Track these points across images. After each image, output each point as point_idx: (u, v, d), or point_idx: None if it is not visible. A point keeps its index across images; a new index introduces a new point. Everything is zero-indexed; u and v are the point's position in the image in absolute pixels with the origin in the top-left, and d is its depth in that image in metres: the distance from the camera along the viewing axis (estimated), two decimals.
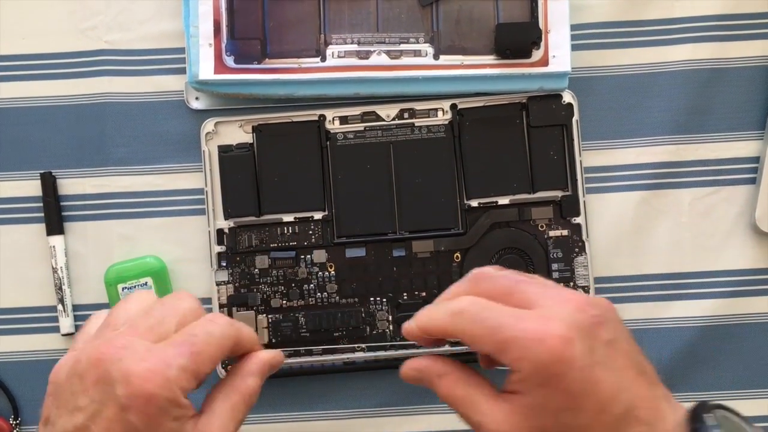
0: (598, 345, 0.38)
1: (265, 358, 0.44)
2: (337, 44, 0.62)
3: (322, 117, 0.63)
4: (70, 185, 0.64)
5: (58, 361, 0.41)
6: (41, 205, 0.64)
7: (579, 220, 0.62)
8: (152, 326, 0.40)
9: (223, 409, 0.41)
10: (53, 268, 0.63)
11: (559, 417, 0.38)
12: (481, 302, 0.40)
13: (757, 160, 0.63)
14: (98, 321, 0.43)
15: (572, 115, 0.62)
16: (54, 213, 0.63)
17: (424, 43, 0.62)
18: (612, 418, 0.38)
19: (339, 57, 0.61)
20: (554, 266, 0.62)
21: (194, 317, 0.41)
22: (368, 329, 0.62)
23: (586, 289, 0.62)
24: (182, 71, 0.64)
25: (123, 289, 0.62)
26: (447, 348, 0.61)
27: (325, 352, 0.62)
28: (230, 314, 0.62)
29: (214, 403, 0.42)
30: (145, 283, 0.62)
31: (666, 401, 0.40)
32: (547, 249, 0.62)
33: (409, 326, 0.42)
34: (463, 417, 0.41)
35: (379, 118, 0.63)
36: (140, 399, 0.37)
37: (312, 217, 0.63)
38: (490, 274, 0.42)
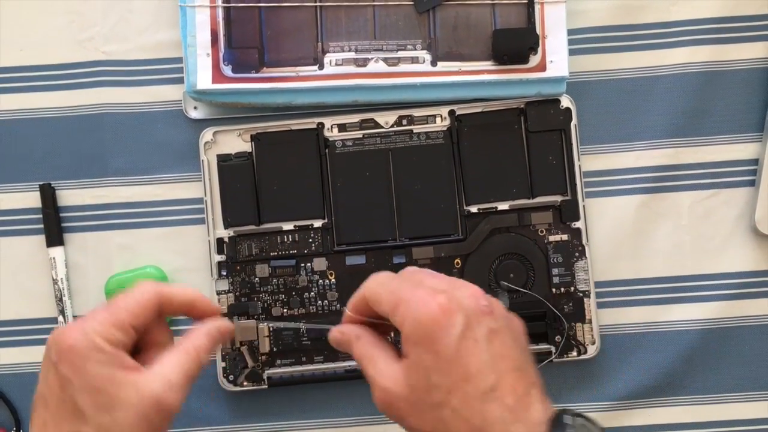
0: (479, 328, 0.43)
1: (215, 323, 0.49)
2: (334, 52, 0.62)
3: (321, 125, 0.63)
4: (69, 196, 0.64)
5: None
6: (41, 216, 0.64)
7: (579, 224, 0.62)
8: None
9: (169, 361, 0.45)
10: (53, 279, 0.63)
11: (430, 376, 0.42)
12: (392, 275, 0.47)
13: (756, 162, 0.63)
14: None
15: (570, 119, 0.62)
16: (54, 224, 0.63)
17: (422, 49, 0.62)
18: (476, 391, 0.42)
19: (337, 65, 0.61)
20: (554, 271, 0.62)
21: None
22: None
23: (586, 294, 0.62)
24: (180, 81, 0.64)
25: None
26: None
27: (326, 360, 0.62)
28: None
29: (163, 358, 0.46)
30: None
31: (539, 401, 0.43)
32: (548, 254, 0.62)
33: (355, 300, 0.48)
34: (364, 373, 0.46)
35: (377, 125, 0.63)
36: (63, 352, 0.43)
37: (312, 225, 0.63)
38: (416, 268, 0.48)
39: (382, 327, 0.48)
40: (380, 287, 0.46)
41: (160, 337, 0.48)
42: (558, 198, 0.62)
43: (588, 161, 0.63)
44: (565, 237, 0.62)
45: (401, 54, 0.62)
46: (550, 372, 0.62)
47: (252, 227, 0.63)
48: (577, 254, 0.62)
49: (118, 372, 0.43)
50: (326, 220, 0.63)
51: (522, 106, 0.62)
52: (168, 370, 0.45)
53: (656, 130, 0.63)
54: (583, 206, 0.62)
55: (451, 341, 0.42)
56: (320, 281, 0.62)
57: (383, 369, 0.45)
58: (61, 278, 0.63)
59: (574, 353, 0.62)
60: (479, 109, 0.63)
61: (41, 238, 0.64)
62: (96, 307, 0.47)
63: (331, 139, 0.63)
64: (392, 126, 0.63)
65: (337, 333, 0.48)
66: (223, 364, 0.62)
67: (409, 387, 0.43)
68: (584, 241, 0.62)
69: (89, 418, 0.43)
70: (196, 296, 0.48)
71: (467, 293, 0.44)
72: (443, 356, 0.42)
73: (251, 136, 0.63)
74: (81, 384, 0.43)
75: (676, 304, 0.63)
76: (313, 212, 0.63)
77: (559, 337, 0.62)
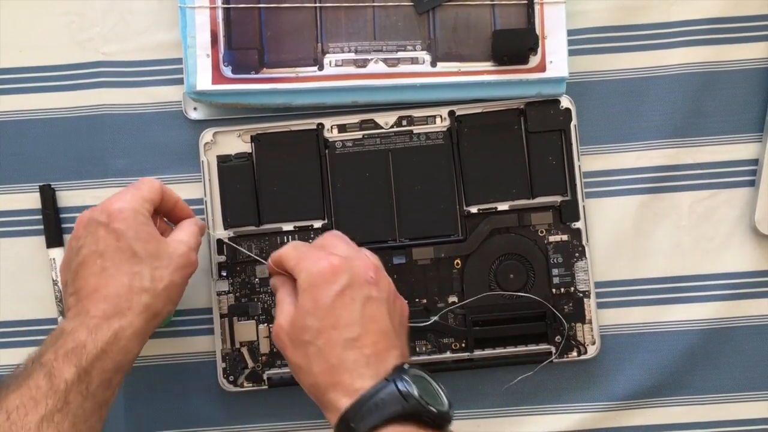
0: (359, 291, 0.51)
1: (198, 219, 0.60)
2: (334, 53, 0.62)
3: (321, 125, 0.63)
4: (69, 197, 0.64)
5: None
6: (41, 217, 0.64)
7: (579, 224, 0.62)
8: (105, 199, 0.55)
9: (183, 232, 0.56)
10: (53, 280, 0.63)
11: (306, 318, 0.51)
12: (307, 244, 0.57)
13: (755, 162, 0.63)
14: None
15: (570, 120, 0.62)
16: (54, 225, 0.63)
17: (422, 50, 0.62)
18: (339, 337, 0.50)
19: (336, 65, 0.61)
20: (554, 271, 0.62)
21: None
22: None
23: (586, 294, 0.62)
24: (180, 82, 0.64)
25: None
26: (448, 355, 0.62)
27: None
28: (231, 324, 0.62)
29: (177, 231, 0.57)
30: None
31: (395, 359, 0.50)
32: (547, 254, 0.62)
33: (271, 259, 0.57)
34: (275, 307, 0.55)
35: (377, 125, 0.63)
36: (115, 212, 0.53)
37: (311, 225, 0.63)
38: (333, 232, 0.58)
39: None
40: (293, 249, 0.55)
41: (162, 226, 0.58)
42: (558, 198, 0.63)
43: (588, 161, 0.63)
44: (565, 237, 0.63)
45: (401, 55, 0.62)
46: (551, 372, 0.62)
47: (252, 228, 0.63)
48: (577, 254, 0.62)
49: (154, 231, 0.54)
50: (326, 221, 0.63)
51: (522, 106, 0.62)
52: (186, 237, 0.56)
53: (656, 131, 0.64)
54: (583, 206, 0.62)
55: (331, 293, 0.51)
56: None
57: (284, 309, 0.53)
58: None
59: (575, 353, 0.62)
60: (479, 110, 0.63)
61: (41, 239, 0.64)
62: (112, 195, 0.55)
63: (331, 139, 0.63)
64: (392, 126, 0.63)
65: (272, 262, 0.56)
66: (224, 365, 0.62)
67: (291, 324, 0.52)
68: (584, 242, 0.62)
69: (144, 260, 0.52)
70: (179, 198, 0.59)
71: (361, 262, 0.53)
72: (320, 304, 0.51)
73: (251, 136, 0.63)
74: (135, 235, 0.52)
75: (676, 304, 0.63)
76: (313, 213, 0.63)
77: (559, 337, 0.62)
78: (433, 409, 0.49)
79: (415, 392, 0.48)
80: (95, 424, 0.50)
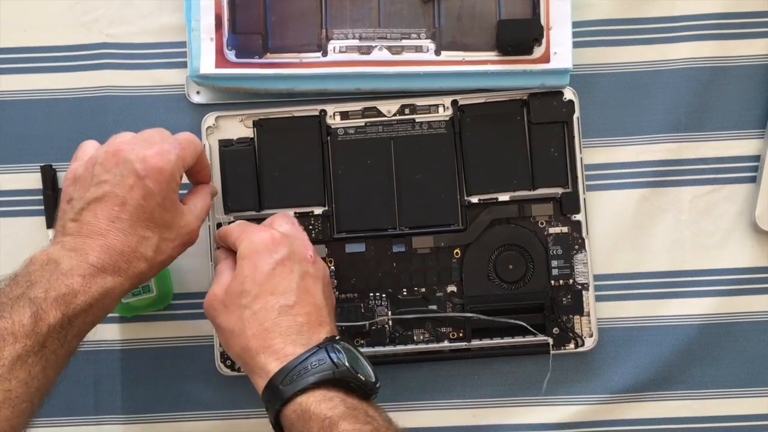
0: (297, 265, 0.54)
1: (214, 185, 0.61)
2: (338, 39, 0.62)
3: (323, 112, 0.63)
4: None
5: (67, 170, 0.54)
6: (41, 197, 0.64)
7: (579, 217, 0.62)
8: (146, 139, 0.54)
9: (199, 202, 0.57)
10: None
11: (244, 283, 0.53)
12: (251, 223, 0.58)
13: (757, 158, 0.63)
14: (89, 146, 0.56)
15: (573, 112, 0.62)
16: (54, 206, 0.63)
17: (426, 38, 0.62)
18: (276, 303, 0.52)
19: (340, 52, 0.61)
20: (554, 263, 0.62)
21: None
22: (367, 325, 0.62)
23: (585, 287, 0.62)
24: (183, 65, 0.64)
25: None
26: (446, 344, 0.62)
27: None
28: None
29: (194, 198, 0.57)
30: None
31: (326, 333, 0.52)
32: (547, 246, 0.62)
33: (216, 234, 0.60)
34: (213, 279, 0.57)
35: (380, 113, 0.63)
36: (154, 170, 0.52)
37: (312, 212, 0.63)
38: (280, 214, 0.59)
39: None
40: (237, 226, 0.57)
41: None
42: (559, 190, 0.63)
43: (590, 154, 0.63)
44: (565, 229, 0.63)
45: (405, 42, 0.62)
46: (548, 364, 0.62)
47: (253, 213, 0.63)
48: (576, 247, 0.62)
49: (177, 201, 0.54)
50: (327, 208, 0.63)
51: (525, 97, 0.62)
52: (199, 210, 0.56)
53: (658, 125, 0.63)
54: (584, 199, 0.62)
55: (271, 261, 0.53)
56: None
57: (221, 279, 0.55)
58: None
59: (572, 346, 0.62)
60: (482, 100, 0.63)
61: (41, 219, 0.64)
62: (156, 132, 0.55)
63: (333, 126, 0.63)
64: (395, 115, 0.63)
65: (219, 234, 0.59)
66: (221, 349, 0.62)
67: (228, 291, 0.54)
68: (584, 234, 0.62)
69: (156, 227, 0.52)
70: (208, 165, 0.59)
71: (301, 242, 0.55)
72: (260, 270, 0.53)
73: (253, 122, 0.63)
74: (161, 200, 0.52)
75: (674, 299, 0.63)
76: (313, 199, 0.63)
77: (556, 329, 0.62)
78: (362, 377, 0.50)
79: (345, 361, 0.50)
80: (61, 371, 0.50)
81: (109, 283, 0.50)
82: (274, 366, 0.50)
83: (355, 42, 0.61)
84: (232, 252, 0.56)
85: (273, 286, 0.53)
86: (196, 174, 0.58)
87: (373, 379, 0.52)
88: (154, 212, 0.52)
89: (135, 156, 0.52)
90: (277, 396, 0.50)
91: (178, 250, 0.55)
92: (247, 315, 0.52)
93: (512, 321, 0.61)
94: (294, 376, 0.50)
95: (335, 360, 0.50)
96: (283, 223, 0.57)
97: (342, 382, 0.50)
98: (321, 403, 0.49)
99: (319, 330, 0.52)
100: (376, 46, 0.61)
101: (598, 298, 0.63)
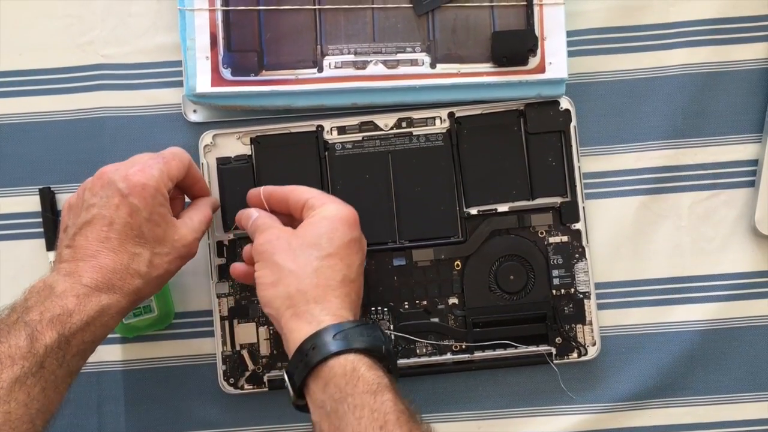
0: (362, 252, 0.56)
1: (215, 198, 0.62)
2: (333, 55, 0.62)
3: (320, 127, 0.63)
4: None
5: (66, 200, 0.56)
6: (40, 220, 0.64)
7: (579, 226, 0.62)
8: (131, 160, 0.55)
9: (196, 216, 0.57)
10: None
11: (321, 237, 0.54)
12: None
13: (755, 162, 0.63)
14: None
15: (570, 121, 0.62)
16: (53, 228, 0.63)
17: (421, 52, 0.62)
18: (341, 270, 0.53)
19: (336, 67, 0.61)
20: (555, 272, 0.62)
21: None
22: None
23: (587, 295, 0.62)
24: (179, 84, 0.64)
25: None
26: (449, 356, 0.62)
27: None
28: (231, 326, 0.62)
29: (191, 211, 0.58)
30: None
31: (338, 298, 0.53)
32: (548, 255, 0.62)
33: (256, 191, 0.59)
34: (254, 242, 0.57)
35: (377, 127, 0.63)
36: (137, 187, 0.53)
37: None
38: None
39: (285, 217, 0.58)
40: (293, 191, 0.57)
41: (176, 193, 0.58)
42: (558, 199, 0.62)
43: (588, 162, 0.63)
44: (565, 238, 0.62)
45: (400, 56, 0.62)
46: (551, 373, 0.62)
47: None
48: (577, 256, 0.62)
49: (168, 215, 0.54)
50: None
51: (521, 107, 0.62)
52: (197, 223, 0.56)
53: (656, 131, 0.63)
54: (583, 207, 0.62)
55: (350, 235, 0.54)
56: None
57: (277, 225, 0.56)
58: None
59: (575, 355, 0.62)
60: (479, 111, 0.63)
61: (41, 242, 0.64)
62: (143, 154, 0.56)
63: (330, 141, 0.63)
64: (392, 128, 0.63)
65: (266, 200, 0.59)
66: (224, 368, 0.62)
67: (297, 236, 0.54)
68: (584, 243, 0.62)
69: (147, 243, 0.53)
70: (201, 177, 0.60)
71: (347, 213, 0.56)
72: (339, 236, 0.54)
73: (251, 139, 0.63)
74: (147, 215, 0.53)
75: (676, 305, 0.63)
76: None
77: (559, 338, 0.62)
78: (394, 363, 0.52)
79: (389, 344, 0.52)
80: (63, 392, 0.50)
81: (104, 300, 0.51)
82: (327, 319, 0.51)
83: (351, 57, 0.62)
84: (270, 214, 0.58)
85: (344, 255, 0.54)
86: (191, 188, 0.59)
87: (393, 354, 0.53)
88: (142, 228, 0.53)
89: (118, 176, 0.53)
90: (325, 347, 0.50)
91: (175, 264, 0.55)
92: (315, 265, 0.53)
93: (510, 346, 0.61)
94: (348, 336, 0.50)
95: (384, 339, 0.52)
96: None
97: (385, 358, 0.51)
98: (370, 369, 0.50)
99: (360, 312, 0.55)
100: (371, 61, 0.61)
101: (600, 307, 0.63)
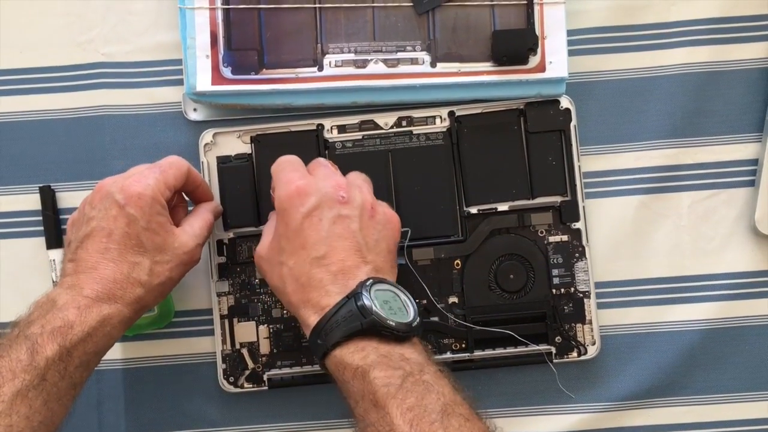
0: (328, 211, 0.53)
1: (217, 203, 0.61)
2: (334, 53, 0.62)
3: (321, 126, 0.63)
4: (69, 198, 0.64)
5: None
6: (41, 218, 0.64)
7: (579, 225, 0.62)
8: (129, 172, 0.56)
9: (196, 223, 0.57)
10: (54, 281, 0.63)
11: (280, 241, 0.53)
12: (293, 165, 0.56)
13: (755, 162, 0.63)
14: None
15: (570, 120, 0.62)
16: (53, 226, 0.63)
17: (421, 51, 0.62)
18: (308, 257, 0.52)
19: (336, 66, 0.61)
20: (554, 272, 0.62)
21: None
22: None
23: (586, 294, 0.62)
24: (180, 83, 0.64)
25: None
26: (449, 355, 0.62)
27: None
28: (231, 325, 0.62)
29: (191, 218, 0.58)
30: None
31: (364, 274, 0.52)
32: (547, 254, 0.62)
33: None
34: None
35: (377, 126, 0.63)
36: (134, 197, 0.53)
37: None
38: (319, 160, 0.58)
39: None
40: (276, 166, 0.56)
41: (179, 201, 0.59)
42: (558, 199, 0.63)
43: (588, 162, 0.63)
44: (565, 238, 0.62)
45: (401, 55, 0.62)
46: (551, 372, 0.62)
47: (252, 229, 0.63)
48: (577, 255, 0.62)
49: (166, 223, 0.54)
50: None
51: (521, 106, 0.62)
52: (198, 229, 0.57)
53: (656, 131, 0.63)
54: (583, 207, 0.62)
55: (298, 216, 0.53)
56: None
57: (264, 239, 0.56)
58: None
59: (575, 354, 0.62)
60: (479, 110, 0.63)
61: (41, 240, 0.64)
62: (140, 166, 0.56)
63: (330, 140, 0.63)
64: (392, 127, 0.63)
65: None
66: (224, 366, 0.62)
67: (268, 249, 0.55)
68: (584, 242, 0.62)
69: (147, 252, 0.53)
70: (203, 181, 0.60)
71: (332, 183, 0.54)
72: (291, 227, 0.53)
73: (251, 137, 0.63)
74: (145, 225, 0.53)
75: (676, 305, 0.63)
76: None
77: (559, 337, 0.62)
78: (392, 323, 0.50)
79: (375, 307, 0.50)
80: (67, 404, 0.51)
81: (105, 311, 0.51)
82: (313, 319, 0.51)
83: (351, 56, 0.62)
84: None
85: (303, 240, 0.53)
86: (192, 193, 0.59)
87: (409, 319, 0.51)
88: (140, 237, 0.53)
89: (116, 188, 0.54)
90: (317, 349, 0.51)
91: (177, 272, 0.55)
92: (285, 272, 0.53)
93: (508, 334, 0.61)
94: (328, 330, 0.50)
95: (364, 309, 0.50)
96: (318, 167, 0.56)
97: (372, 329, 0.50)
98: (354, 354, 0.49)
99: (356, 273, 0.52)
100: (371, 60, 0.61)
101: (600, 306, 0.63)
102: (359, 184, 0.56)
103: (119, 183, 0.54)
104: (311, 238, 0.52)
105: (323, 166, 0.56)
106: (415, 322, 0.51)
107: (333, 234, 0.53)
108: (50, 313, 0.50)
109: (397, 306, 0.52)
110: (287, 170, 0.55)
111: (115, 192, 0.53)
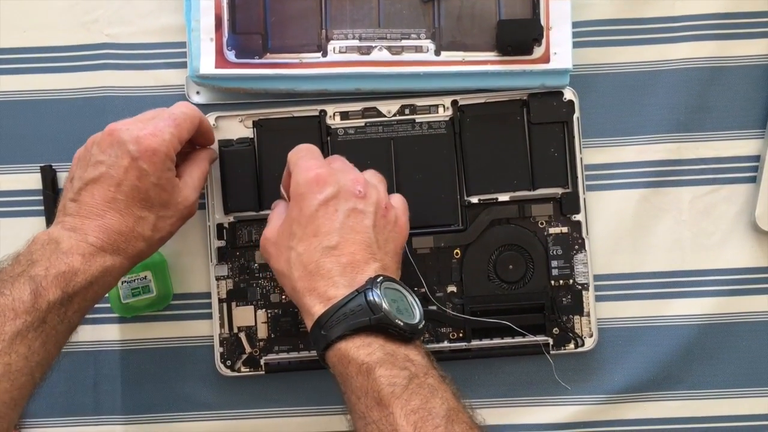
0: (344, 203, 0.53)
1: (213, 149, 0.61)
2: (338, 39, 0.62)
3: (323, 112, 0.63)
4: None
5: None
6: (41, 198, 0.63)
7: (579, 217, 0.62)
8: (140, 118, 0.55)
9: (195, 174, 0.57)
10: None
11: (292, 225, 0.53)
12: (313, 153, 0.56)
13: (757, 158, 0.63)
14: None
15: (573, 112, 0.62)
16: (54, 206, 0.63)
17: (426, 39, 0.62)
18: (319, 245, 0.52)
19: (340, 52, 0.61)
20: (554, 263, 0.62)
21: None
22: None
23: (585, 287, 0.62)
24: (183, 65, 0.64)
25: (122, 282, 0.61)
26: (446, 344, 0.62)
27: None
28: (230, 309, 0.62)
29: (190, 167, 0.58)
30: (144, 277, 0.62)
31: (372, 271, 0.51)
32: (547, 246, 0.62)
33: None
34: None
35: (380, 113, 0.63)
36: (148, 152, 0.52)
37: None
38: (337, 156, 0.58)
39: None
40: (293, 154, 0.56)
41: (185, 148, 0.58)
42: (559, 190, 0.63)
43: (589, 154, 0.63)
44: (565, 229, 0.63)
45: (405, 43, 0.62)
46: (548, 364, 0.62)
47: (252, 213, 0.63)
48: (576, 247, 0.62)
49: (174, 178, 0.55)
50: None
51: (525, 97, 0.62)
52: (196, 180, 0.57)
53: (658, 125, 0.63)
54: (584, 199, 0.62)
55: (315, 203, 0.52)
56: None
57: (273, 223, 0.56)
58: None
59: (572, 346, 0.62)
60: (482, 100, 0.63)
61: (41, 220, 0.64)
62: (152, 111, 0.56)
63: (333, 126, 0.63)
64: (394, 115, 0.63)
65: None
66: (221, 350, 0.62)
67: (278, 233, 0.54)
68: (584, 234, 0.62)
69: (153, 207, 0.53)
70: (210, 128, 0.60)
71: (350, 176, 0.54)
72: (305, 212, 0.53)
73: (253, 122, 0.63)
74: (155, 180, 0.53)
75: (674, 299, 0.63)
76: None
77: (556, 329, 0.62)
78: (400, 322, 0.49)
79: (384, 305, 0.49)
80: (62, 345, 0.51)
81: (108, 262, 0.52)
82: (318, 309, 0.51)
83: (355, 42, 0.61)
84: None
85: (316, 227, 0.52)
86: (198, 138, 0.59)
87: (416, 321, 0.51)
88: (149, 192, 0.53)
89: (129, 137, 0.53)
90: (319, 339, 0.50)
91: (176, 226, 0.56)
92: (293, 257, 0.52)
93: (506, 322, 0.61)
94: (334, 322, 0.50)
95: (373, 304, 0.49)
96: (335, 160, 0.56)
97: (380, 326, 0.49)
98: (360, 349, 0.49)
99: (364, 268, 0.52)
100: (376, 47, 0.61)
101: (598, 299, 0.63)
102: (375, 182, 0.56)
103: (133, 132, 0.53)
104: (324, 226, 0.52)
105: (341, 160, 0.56)
106: (421, 324, 0.51)
107: (346, 226, 0.52)
108: (54, 256, 0.50)
109: (404, 306, 0.51)
110: (307, 157, 0.55)
111: (129, 142, 0.52)
